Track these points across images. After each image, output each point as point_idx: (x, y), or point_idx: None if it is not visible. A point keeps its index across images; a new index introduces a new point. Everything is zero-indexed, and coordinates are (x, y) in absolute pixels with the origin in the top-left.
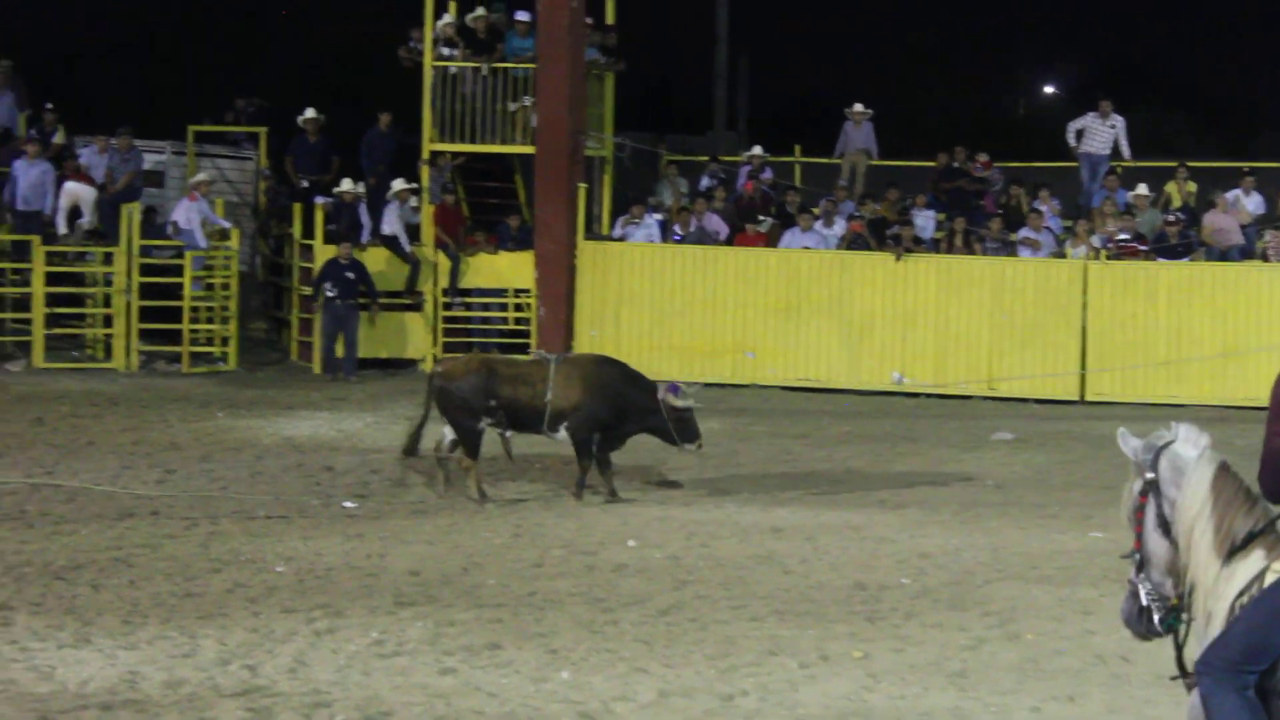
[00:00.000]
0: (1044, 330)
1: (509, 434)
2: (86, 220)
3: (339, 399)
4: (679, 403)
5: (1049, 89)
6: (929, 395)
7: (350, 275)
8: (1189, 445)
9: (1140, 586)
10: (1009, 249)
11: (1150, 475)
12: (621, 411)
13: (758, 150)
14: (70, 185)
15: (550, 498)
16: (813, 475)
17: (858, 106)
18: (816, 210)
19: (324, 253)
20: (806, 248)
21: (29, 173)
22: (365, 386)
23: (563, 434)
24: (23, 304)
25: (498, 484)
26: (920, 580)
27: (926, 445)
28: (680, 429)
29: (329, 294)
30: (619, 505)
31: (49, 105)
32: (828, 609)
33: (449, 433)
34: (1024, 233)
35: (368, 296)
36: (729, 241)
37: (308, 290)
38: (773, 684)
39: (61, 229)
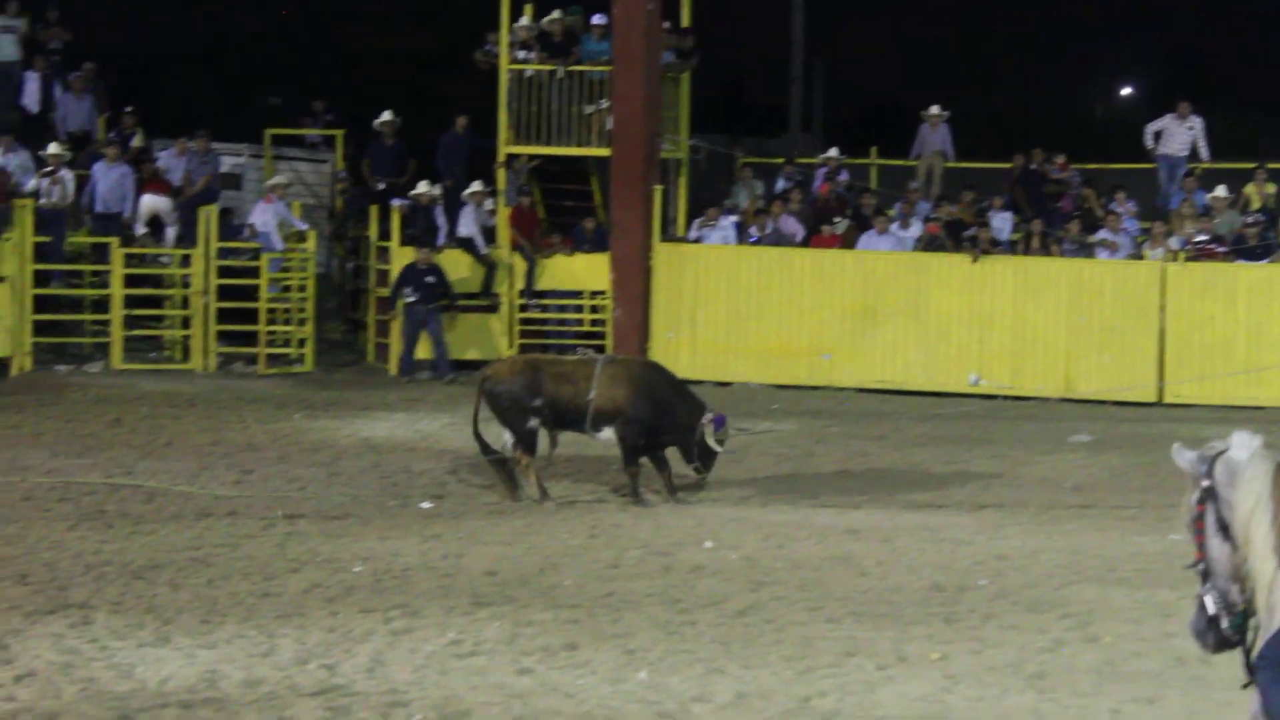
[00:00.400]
0: (1122, 332)
1: (555, 433)
2: (171, 231)
3: (415, 400)
4: (712, 441)
5: (1126, 90)
6: (1006, 397)
7: (430, 279)
8: (1242, 450)
9: (1207, 597)
10: (1087, 251)
11: (1206, 483)
12: (664, 418)
13: (833, 152)
14: (147, 198)
15: (627, 499)
16: (889, 477)
17: (934, 108)
18: (892, 212)
19: (400, 255)
20: (883, 250)
21: (108, 175)
22: (443, 388)
23: (606, 434)
24: (102, 305)
25: (576, 483)
26: (998, 582)
27: (1004, 447)
28: (701, 455)
29: (409, 299)
30: (695, 506)
31: (128, 108)
32: (905, 610)
33: (509, 437)
34: (1102, 234)
35: (447, 299)
36: (805, 243)
37: (384, 292)
38: (850, 685)
39: (139, 230)
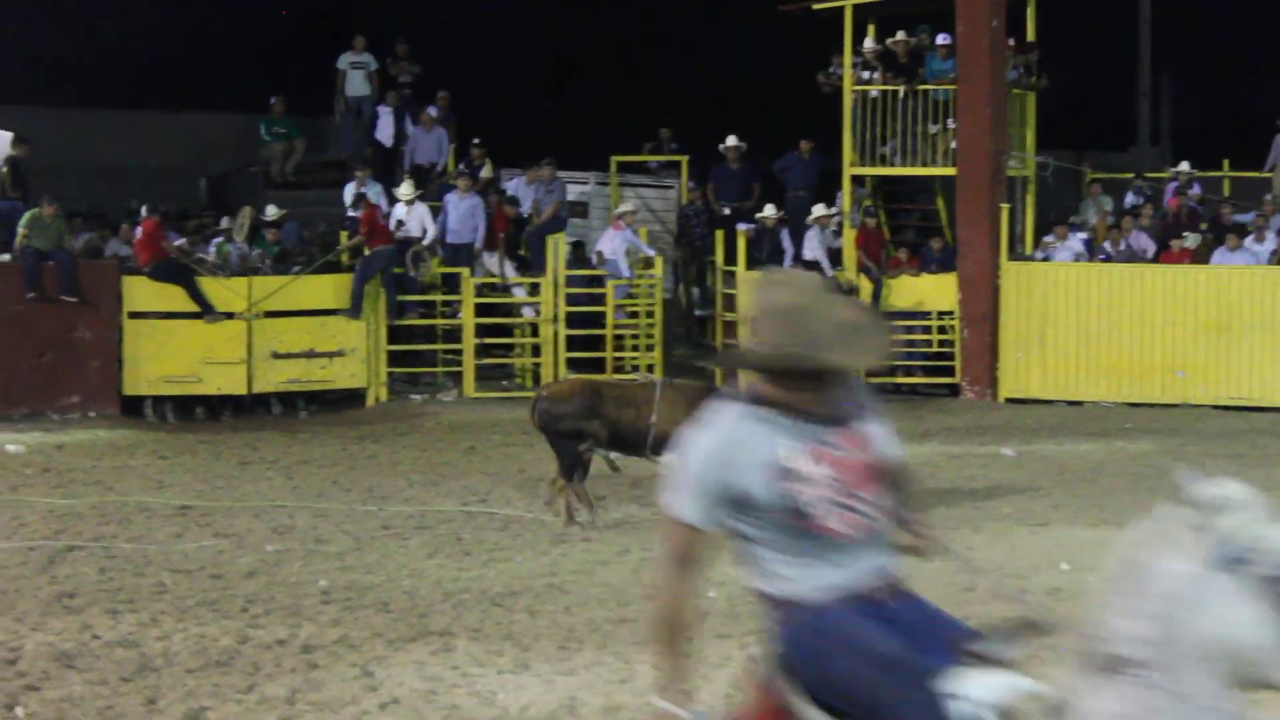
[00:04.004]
0: None
1: (613, 455)
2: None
3: None
4: None
5: None
6: None
7: None
8: None
9: None
10: None
11: None
12: None
13: (1184, 166)
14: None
15: (981, 520)
16: None
17: None
18: (1250, 227)
19: (745, 279)
20: (1237, 264)
21: (459, 207)
22: None
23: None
24: (454, 335)
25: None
26: None
27: None
28: None
29: None
30: (1050, 528)
31: (475, 140)
32: None
33: (614, 455)
34: None
35: None
36: (1155, 259)
37: (731, 316)
38: None
39: (492, 269)
